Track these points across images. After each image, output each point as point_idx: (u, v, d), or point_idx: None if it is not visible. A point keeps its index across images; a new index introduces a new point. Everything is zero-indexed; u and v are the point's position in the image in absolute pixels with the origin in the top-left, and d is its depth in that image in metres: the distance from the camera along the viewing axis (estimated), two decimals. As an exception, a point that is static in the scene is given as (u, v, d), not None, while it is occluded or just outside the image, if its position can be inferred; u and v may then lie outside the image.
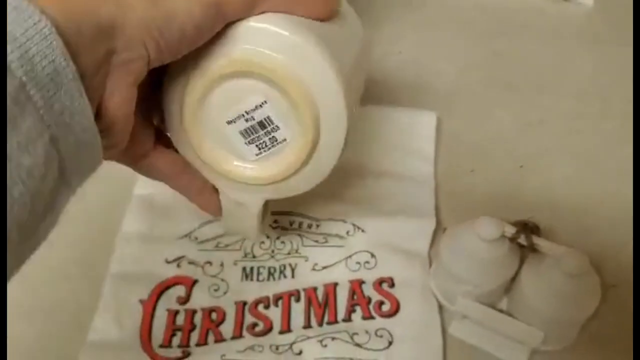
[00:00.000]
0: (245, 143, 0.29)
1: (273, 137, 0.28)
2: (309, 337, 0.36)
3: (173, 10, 0.23)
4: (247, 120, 0.28)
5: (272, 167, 0.29)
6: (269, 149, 0.29)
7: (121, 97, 0.23)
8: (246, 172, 0.30)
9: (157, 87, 0.28)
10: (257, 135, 0.28)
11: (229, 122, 0.28)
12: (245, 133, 0.28)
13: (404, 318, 0.36)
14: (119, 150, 0.25)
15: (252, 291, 0.38)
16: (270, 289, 0.38)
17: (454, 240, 0.36)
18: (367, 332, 0.36)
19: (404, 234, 0.40)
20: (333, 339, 0.36)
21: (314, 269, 0.39)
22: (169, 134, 0.30)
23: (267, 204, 0.33)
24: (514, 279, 0.36)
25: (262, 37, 0.26)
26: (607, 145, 0.47)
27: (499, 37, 0.57)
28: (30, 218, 0.19)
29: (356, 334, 0.36)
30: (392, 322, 0.36)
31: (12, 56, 0.18)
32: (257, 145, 0.29)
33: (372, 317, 0.37)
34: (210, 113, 0.28)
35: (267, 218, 0.35)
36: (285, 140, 0.28)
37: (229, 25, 0.25)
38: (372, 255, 0.39)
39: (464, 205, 0.43)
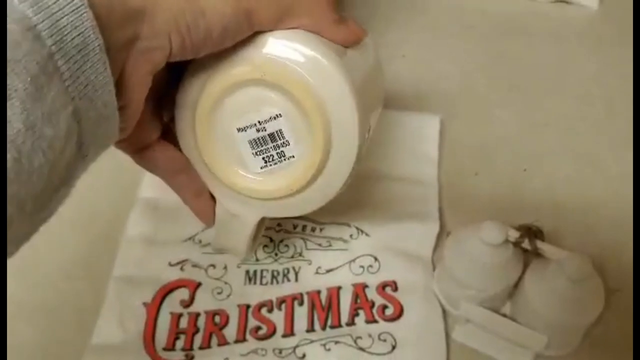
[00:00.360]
0: (253, 153, 0.28)
1: (282, 152, 0.28)
2: (312, 341, 0.36)
3: (204, 8, 0.23)
4: (258, 131, 0.28)
5: (274, 183, 0.29)
6: (275, 163, 0.29)
7: (136, 82, 0.23)
8: (247, 183, 0.29)
9: (173, 83, 0.28)
10: (265, 147, 0.28)
11: (240, 130, 0.28)
12: (255, 143, 0.28)
13: (408, 322, 0.36)
14: (124, 134, 0.25)
15: (256, 294, 0.38)
16: (274, 292, 0.38)
17: (457, 245, 0.36)
18: (370, 336, 0.36)
19: (408, 238, 0.40)
20: (336, 342, 0.36)
21: (317, 273, 0.39)
22: (176, 133, 0.30)
23: (262, 222, 0.32)
24: (517, 283, 0.35)
25: (288, 51, 0.26)
26: (611, 147, 0.47)
27: (502, 40, 0.57)
28: (45, 189, 0.19)
29: (359, 337, 0.36)
30: (395, 326, 0.36)
31: (42, 25, 0.18)
32: (263, 158, 0.28)
33: (375, 321, 0.37)
34: (223, 117, 0.28)
35: (258, 238, 0.35)
36: (293, 157, 0.28)
37: (256, 34, 0.26)
38: (376, 259, 0.39)
39: (468, 208, 0.43)
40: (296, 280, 0.39)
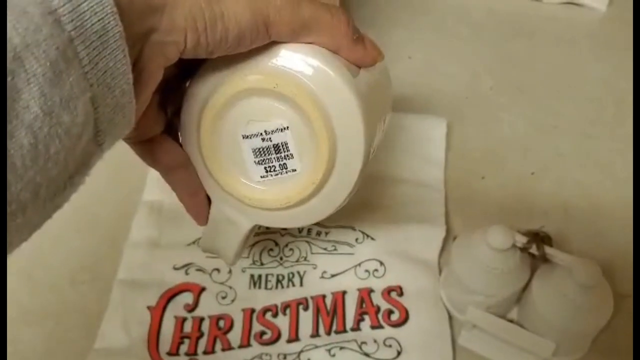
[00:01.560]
0: (255, 162, 0.28)
1: (284, 164, 0.28)
2: (316, 346, 0.36)
3: (223, 11, 0.23)
4: (263, 140, 0.27)
5: (272, 194, 0.29)
6: (276, 174, 0.28)
7: (148, 74, 0.23)
8: (245, 190, 0.29)
9: (181, 79, 0.28)
10: (269, 157, 0.28)
11: (245, 137, 0.28)
12: (258, 152, 0.28)
13: (413, 327, 0.36)
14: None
15: (260, 299, 0.38)
16: (279, 296, 0.38)
17: (464, 250, 0.35)
18: (375, 341, 0.36)
19: (414, 242, 0.40)
20: (341, 348, 0.35)
21: (322, 277, 0.39)
22: (180, 129, 0.29)
23: (253, 230, 0.32)
24: (524, 289, 0.35)
25: (303, 65, 0.26)
26: (620, 151, 0.47)
27: (509, 42, 0.56)
28: (60, 176, 0.19)
29: (364, 343, 0.35)
30: (401, 331, 0.36)
31: (63, 9, 0.18)
32: (265, 168, 0.28)
33: (380, 326, 0.36)
34: (230, 121, 0.27)
35: (246, 245, 0.34)
36: (294, 170, 0.28)
37: (273, 43, 0.25)
38: (381, 264, 0.39)
39: (475, 212, 0.42)
40: (301, 284, 0.39)
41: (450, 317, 0.37)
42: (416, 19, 0.58)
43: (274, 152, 0.28)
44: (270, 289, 0.39)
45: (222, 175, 0.29)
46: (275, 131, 0.27)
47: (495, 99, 0.51)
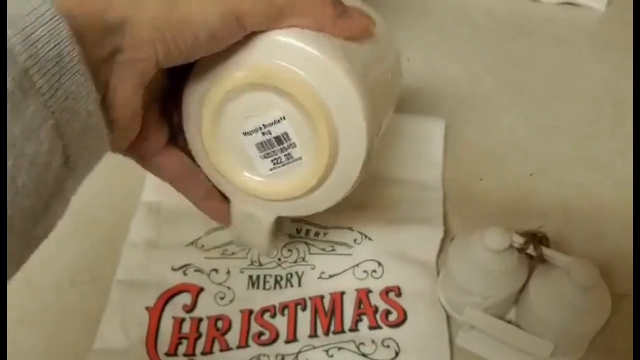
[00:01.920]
0: (261, 156, 0.28)
1: (289, 153, 0.28)
2: (315, 347, 0.36)
3: (188, 15, 0.22)
4: (264, 134, 0.27)
5: (284, 184, 0.29)
6: (284, 165, 0.28)
7: (125, 95, 0.22)
8: (257, 186, 0.29)
9: (179, 86, 0.28)
10: (272, 149, 0.28)
11: (246, 134, 0.28)
12: (261, 146, 0.28)
13: (411, 328, 0.36)
14: (124, 145, 0.25)
15: (258, 299, 0.38)
16: (277, 297, 0.38)
17: (461, 251, 0.35)
18: (373, 341, 0.36)
19: (412, 243, 0.40)
20: (339, 348, 0.35)
21: (320, 278, 0.39)
22: (186, 136, 0.30)
23: (281, 220, 0.32)
24: (522, 289, 0.35)
25: (286, 52, 0.25)
26: (620, 151, 0.47)
27: (509, 43, 0.56)
28: (34, 207, 0.19)
29: (362, 343, 0.35)
30: (399, 332, 0.36)
31: (14, 40, 0.17)
32: (272, 160, 0.28)
33: (378, 327, 0.36)
34: (228, 121, 0.27)
35: (281, 235, 0.35)
36: (300, 158, 0.28)
37: (254, 35, 0.25)
38: (379, 264, 0.39)
39: (473, 213, 0.42)
40: (299, 285, 0.39)
41: (448, 318, 0.37)
42: (415, 19, 0.58)
43: (276, 144, 0.27)
44: (269, 289, 0.39)
45: (233, 175, 0.29)
46: (273, 123, 0.27)
47: (494, 100, 0.51)
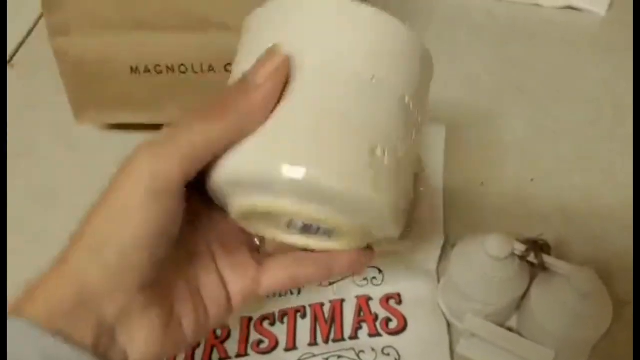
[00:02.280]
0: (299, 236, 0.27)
1: (323, 229, 0.26)
2: (314, 355, 0.35)
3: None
4: (289, 226, 0.26)
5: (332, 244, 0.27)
6: (324, 235, 0.27)
7: None
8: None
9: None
10: (309, 231, 0.26)
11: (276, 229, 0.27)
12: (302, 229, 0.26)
13: (412, 335, 0.36)
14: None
15: (258, 307, 0.38)
16: (276, 304, 0.38)
17: (462, 257, 0.35)
18: (373, 349, 0.35)
19: (412, 249, 0.39)
20: (339, 357, 0.35)
21: (320, 285, 0.39)
22: None
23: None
24: (523, 297, 0.35)
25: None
26: (620, 154, 0.47)
27: (509, 46, 0.56)
28: None
29: (362, 351, 0.35)
30: (399, 339, 0.36)
31: None
32: (308, 236, 0.27)
33: (378, 335, 0.36)
34: (257, 226, 0.27)
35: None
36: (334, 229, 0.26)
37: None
38: (380, 271, 0.39)
39: (474, 219, 0.42)
40: (299, 292, 0.38)
41: (449, 325, 0.36)
42: (415, 23, 0.58)
43: (309, 230, 0.26)
44: (268, 296, 0.38)
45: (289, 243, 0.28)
46: (302, 225, 0.26)
47: (494, 104, 0.51)
